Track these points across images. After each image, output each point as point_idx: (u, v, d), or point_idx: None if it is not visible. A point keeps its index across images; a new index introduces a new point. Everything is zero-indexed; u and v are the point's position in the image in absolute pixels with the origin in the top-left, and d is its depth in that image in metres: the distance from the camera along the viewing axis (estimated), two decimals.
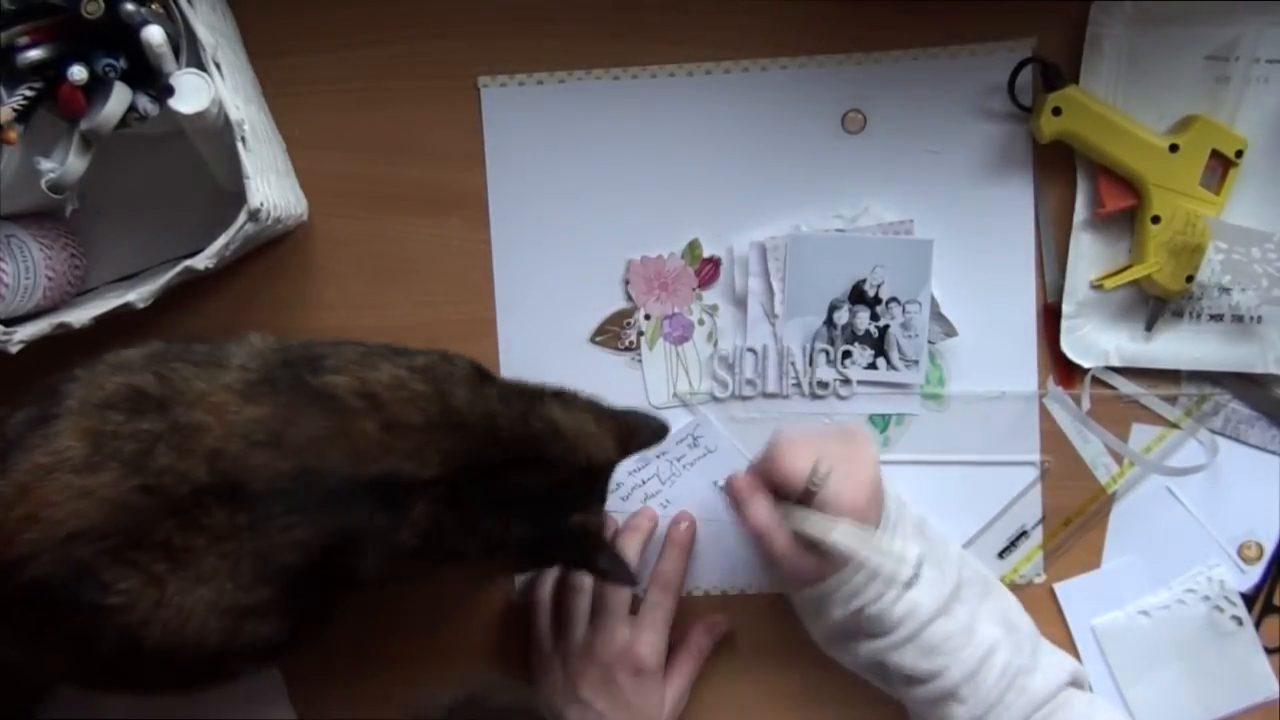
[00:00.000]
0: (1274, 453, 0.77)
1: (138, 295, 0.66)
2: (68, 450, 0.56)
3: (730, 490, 0.71)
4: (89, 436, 0.56)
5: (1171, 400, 0.77)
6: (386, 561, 0.61)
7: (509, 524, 0.63)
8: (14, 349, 0.65)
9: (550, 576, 0.77)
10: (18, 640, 0.59)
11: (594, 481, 0.66)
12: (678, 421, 0.78)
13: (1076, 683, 0.70)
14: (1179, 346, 0.76)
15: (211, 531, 0.56)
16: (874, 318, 0.77)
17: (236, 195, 0.64)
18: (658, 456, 0.78)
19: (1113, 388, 0.77)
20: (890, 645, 0.68)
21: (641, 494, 0.79)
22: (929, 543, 0.70)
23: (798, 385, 0.78)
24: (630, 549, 0.75)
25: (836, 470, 0.66)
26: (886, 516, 0.68)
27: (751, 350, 0.78)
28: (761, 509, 0.68)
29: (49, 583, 0.55)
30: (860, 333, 0.77)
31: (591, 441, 0.64)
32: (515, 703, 0.65)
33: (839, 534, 0.65)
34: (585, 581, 0.75)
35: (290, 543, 0.58)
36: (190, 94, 0.63)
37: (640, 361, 0.78)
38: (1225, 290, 0.76)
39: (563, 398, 0.65)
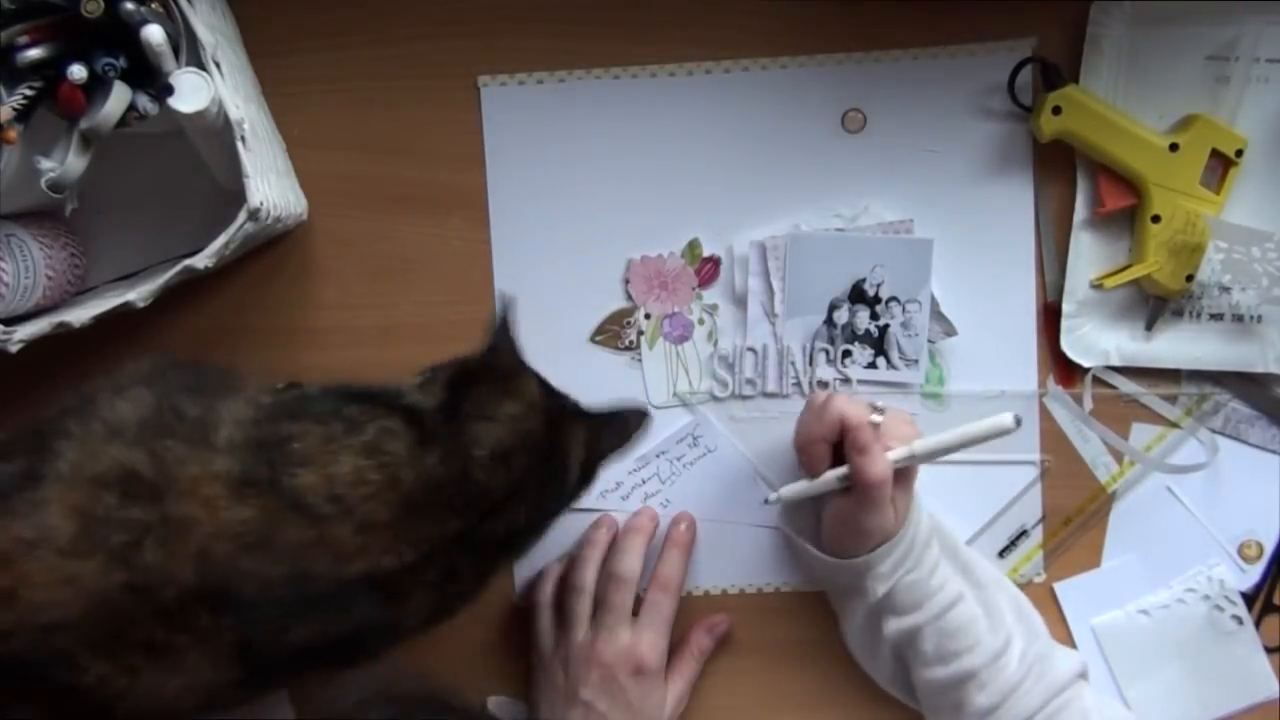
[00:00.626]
0: (1274, 452, 0.77)
1: (138, 295, 0.66)
2: (54, 530, 0.54)
3: (853, 441, 0.68)
4: (78, 516, 0.54)
5: (1171, 400, 0.77)
6: (392, 642, 0.61)
7: (504, 559, 0.64)
8: (14, 349, 0.65)
9: (551, 578, 0.77)
10: None
11: (563, 476, 0.64)
12: (677, 421, 0.78)
13: (1084, 676, 0.72)
14: (1179, 346, 0.76)
15: (195, 633, 0.55)
16: (874, 317, 0.77)
17: (236, 195, 0.64)
18: (657, 456, 0.78)
19: (1113, 387, 0.77)
20: (920, 621, 0.69)
21: (641, 494, 0.79)
22: (943, 536, 0.72)
23: (798, 385, 0.78)
24: (632, 549, 0.75)
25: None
26: (917, 504, 0.70)
27: (751, 350, 0.78)
28: (883, 458, 0.67)
29: (23, 660, 0.54)
30: (860, 332, 0.77)
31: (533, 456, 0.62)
32: (423, 690, 0.64)
33: (926, 440, 0.68)
34: (586, 583, 0.75)
35: (285, 641, 0.57)
36: (190, 93, 0.63)
37: (640, 361, 0.78)
38: (1225, 289, 0.76)
39: (492, 425, 0.61)
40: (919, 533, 0.70)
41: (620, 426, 0.67)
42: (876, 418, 0.68)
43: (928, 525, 0.71)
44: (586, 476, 0.66)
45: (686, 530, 0.77)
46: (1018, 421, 0.64)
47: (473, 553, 0.61)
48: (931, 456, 0.68)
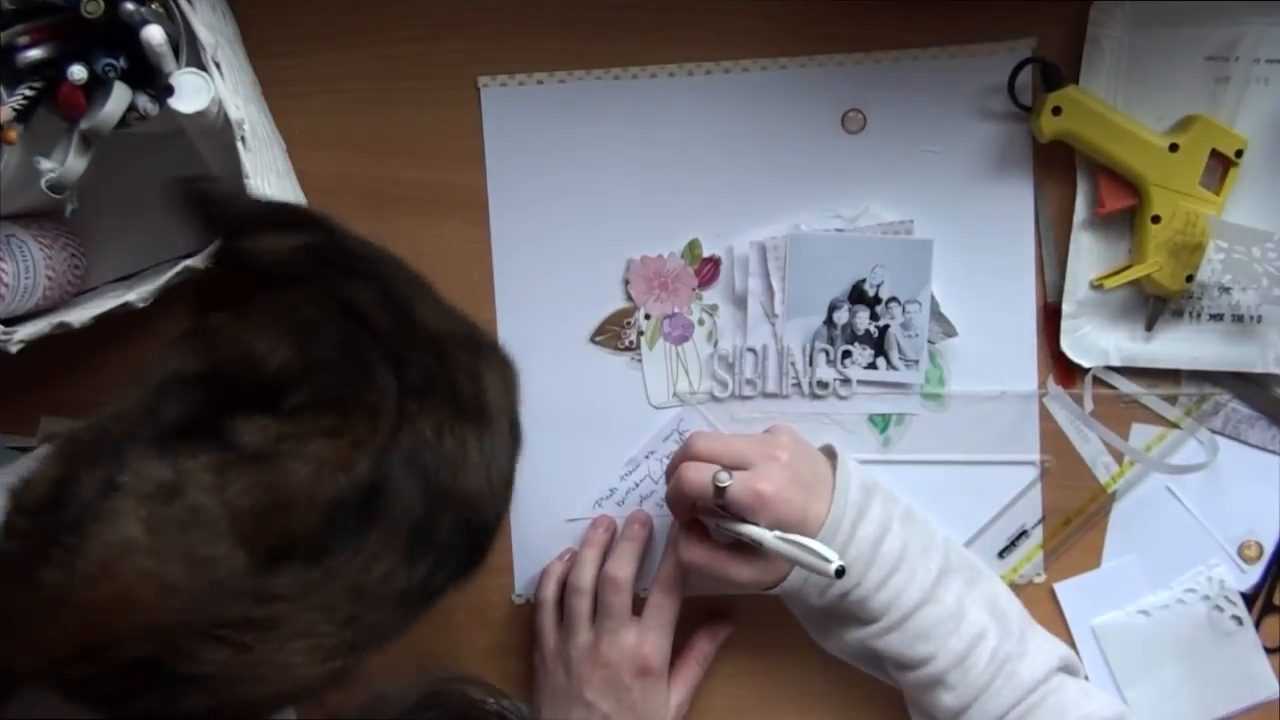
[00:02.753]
0: (1274, 452, 0.77)
1: (138, 295, 0.66)
2: (134, 540, 0.54)
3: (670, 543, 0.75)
4: (144, 524, 0.54)
5: (1171, 400, 0.77)
6: (458, 436, 0.58)
7: (410, 330, 0.60)
8: (14, 349, 0.65)
9: (554, 577, 0.77)
10: (95, 710, 0.57)
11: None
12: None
13: (1068, 668, 0.70)
14: (1179, 346, 0.76)
15: (288, 599, 0.55)
16: (874, 317, 0.77)
17: None
18: (646, 457, 0.78)
19: (1113, 387, 0.77)
20: (877, 632, 0.68)
21: (636, 496, 0.79)
22: (913, 528, 0.70)
23: (798, 385, 0.78)
24: (624, 552, 0.75)
25: (739, 473, 0.67)
26: (843, 504, 0.68)
27: (751, 350, 0.78)
28: (697, 552, 0.70)
29: (143, 661, 0.54)
30: (860, 332, 0.77)
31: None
32: (490, 699, 0.64)
33: (752, 531, 0.66)
34: (585, 584, 0.75)
35: (374, 556, 0.56)
36: (190, 94, 0.63)
37: (640, 361, 0.78)
38: (1225, 290, 0.76)
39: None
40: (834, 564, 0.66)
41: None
42: (724, 480, 0.66)
43: (868, 544, 0.68)
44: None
45: None
46: (839, 573, 0.61)
47: (407, 348, 0.59)
48: (754, 540, 0.66)
